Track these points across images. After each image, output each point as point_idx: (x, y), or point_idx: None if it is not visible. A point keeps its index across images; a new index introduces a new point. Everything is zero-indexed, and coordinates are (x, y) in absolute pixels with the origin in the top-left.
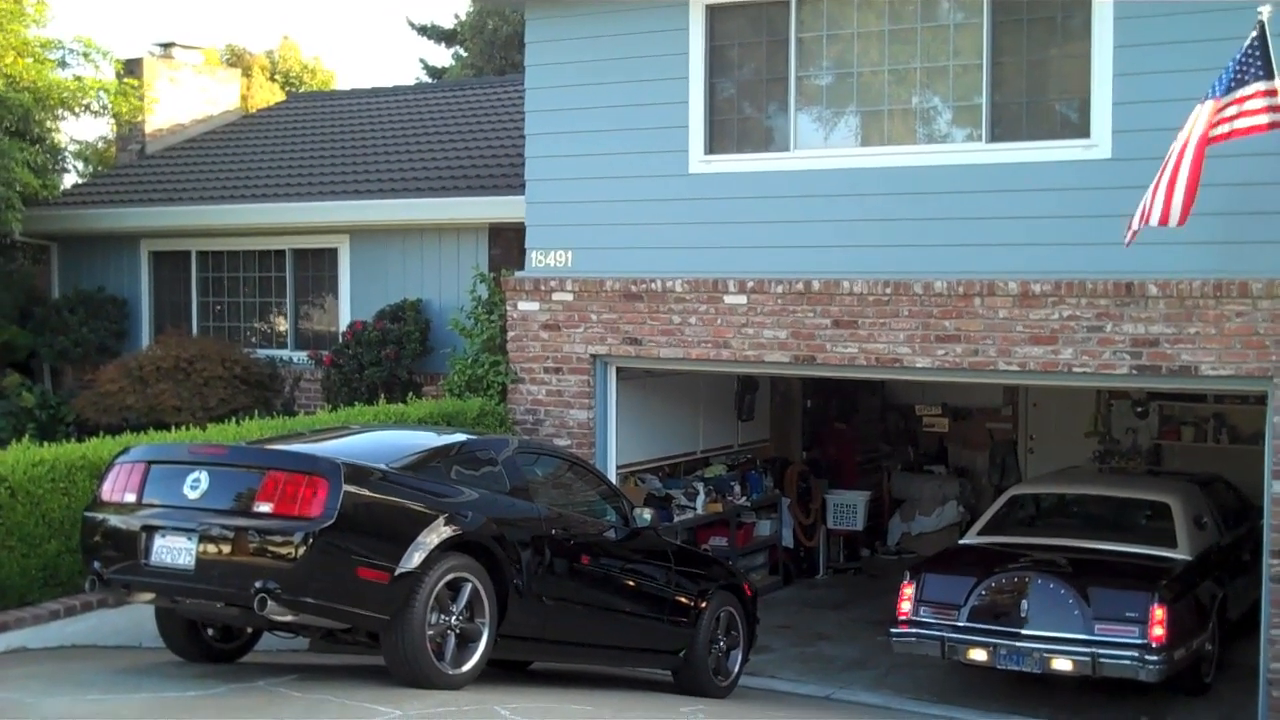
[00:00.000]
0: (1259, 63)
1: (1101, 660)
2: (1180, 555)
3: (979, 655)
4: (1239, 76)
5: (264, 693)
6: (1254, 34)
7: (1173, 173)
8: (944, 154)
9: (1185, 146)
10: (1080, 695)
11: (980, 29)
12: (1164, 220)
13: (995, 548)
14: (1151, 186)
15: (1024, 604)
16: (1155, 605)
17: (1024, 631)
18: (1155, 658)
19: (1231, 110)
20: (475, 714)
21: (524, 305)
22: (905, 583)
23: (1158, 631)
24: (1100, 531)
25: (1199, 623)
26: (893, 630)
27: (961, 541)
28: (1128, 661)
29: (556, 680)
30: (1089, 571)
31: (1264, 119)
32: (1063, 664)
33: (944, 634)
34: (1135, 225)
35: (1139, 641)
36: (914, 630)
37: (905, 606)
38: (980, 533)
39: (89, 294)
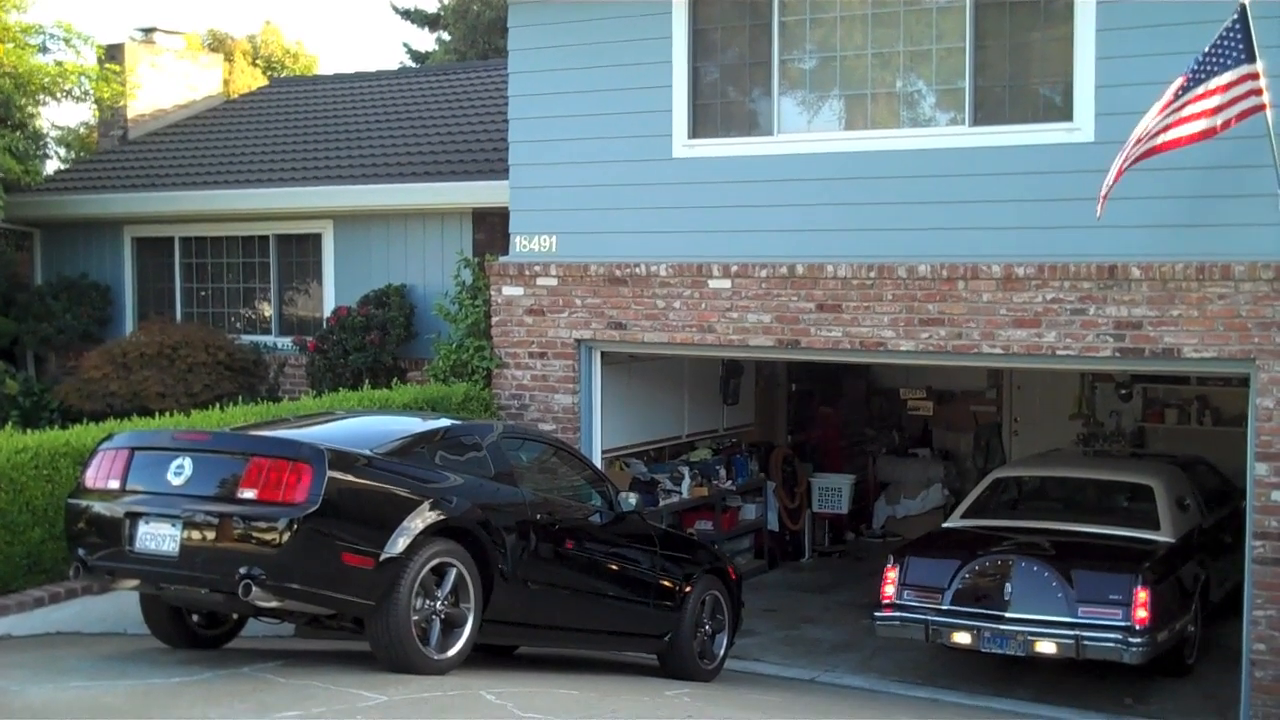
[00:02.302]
0: (1240, 46)
1: (1085, 643)
2: (1163, 537)
3: (963, 638)
4: (1219, 59)
5: (249, 679)
6: (1234, 16)
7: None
8: (927, 138)
9: (1142, 134)
10: (1064, 677)
11: (963, 12)
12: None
13: (979, 531)
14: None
15: (1007, 587)
16: (1138, 587)
17: (1008, 614)
18: (1138, 640)
19: (1216, 99)
20: (460, 699)
21: (508, 290)
22: (889, 566)
23: (1141, 614)
24: (1083, 514)
25: (1182, 604)
26: (877, 614)
27: (945, 525)
28: (1111, 644)
29: (542, 665)
30: (1072, 554)
31: (1249, 103)
32: (1046, 646)
33: (928, 617)
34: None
35: (1122, 624)
36: (898, 613)
37: (889, 590)
38: (964, 516)
39: (72, 280)
